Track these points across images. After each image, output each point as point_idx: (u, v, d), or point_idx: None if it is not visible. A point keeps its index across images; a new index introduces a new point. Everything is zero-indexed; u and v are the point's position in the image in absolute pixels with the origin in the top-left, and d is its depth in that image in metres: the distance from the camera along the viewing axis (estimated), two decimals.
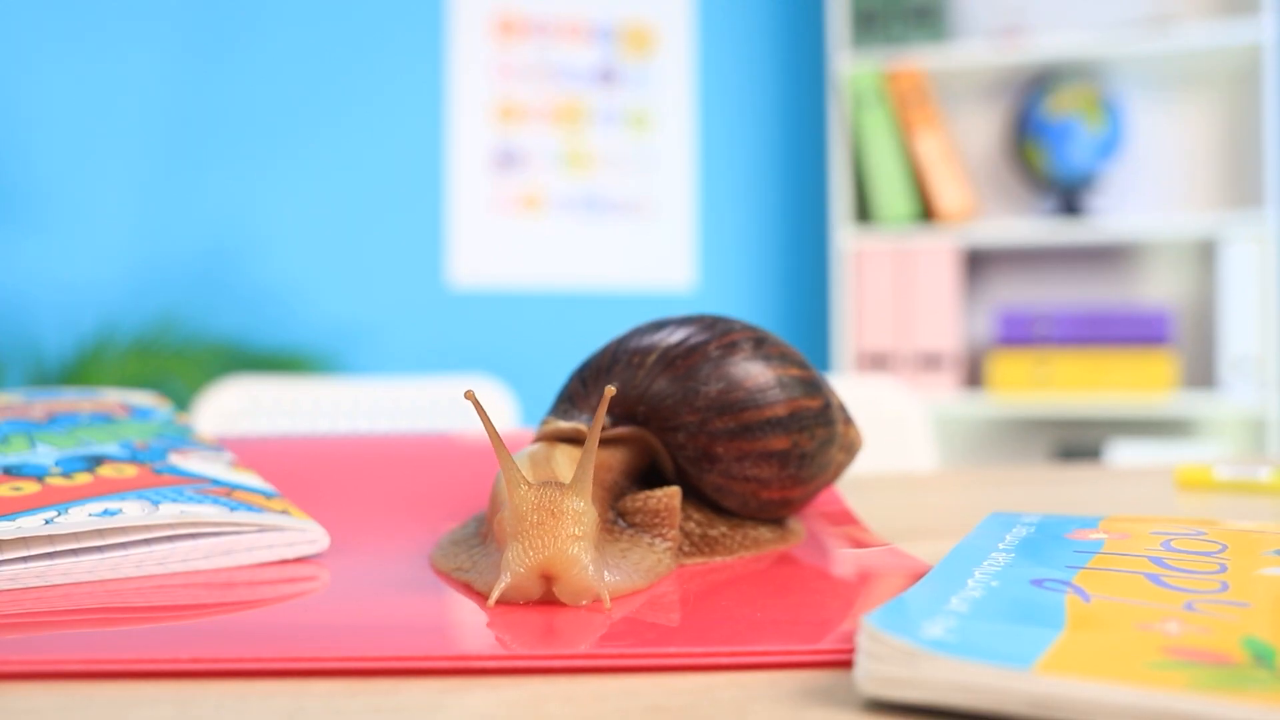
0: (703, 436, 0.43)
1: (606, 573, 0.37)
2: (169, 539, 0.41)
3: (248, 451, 0.60)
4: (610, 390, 0.36)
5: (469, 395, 0.37)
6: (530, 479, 0.39)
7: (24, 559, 0.38)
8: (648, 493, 0.42)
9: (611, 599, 0.36)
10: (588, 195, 2.43)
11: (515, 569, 0.35)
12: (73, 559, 0.39)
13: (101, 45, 2.31)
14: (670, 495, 0.41)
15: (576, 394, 0.46)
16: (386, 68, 2.40)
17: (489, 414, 0.38)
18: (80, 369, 2.04)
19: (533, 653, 0.30)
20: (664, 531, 0.41)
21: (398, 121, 2.40)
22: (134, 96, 2.32)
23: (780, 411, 0.44)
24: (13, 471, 0.42)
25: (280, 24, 2.37)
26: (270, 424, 1.20)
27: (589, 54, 2.44)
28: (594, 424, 0.37)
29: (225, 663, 0.30)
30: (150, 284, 2.30)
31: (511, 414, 1.22)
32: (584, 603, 0.35)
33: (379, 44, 2.40)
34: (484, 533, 0.42)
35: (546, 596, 0.36)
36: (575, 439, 0.44)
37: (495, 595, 0.35)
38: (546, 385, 2.44)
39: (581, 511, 0.36)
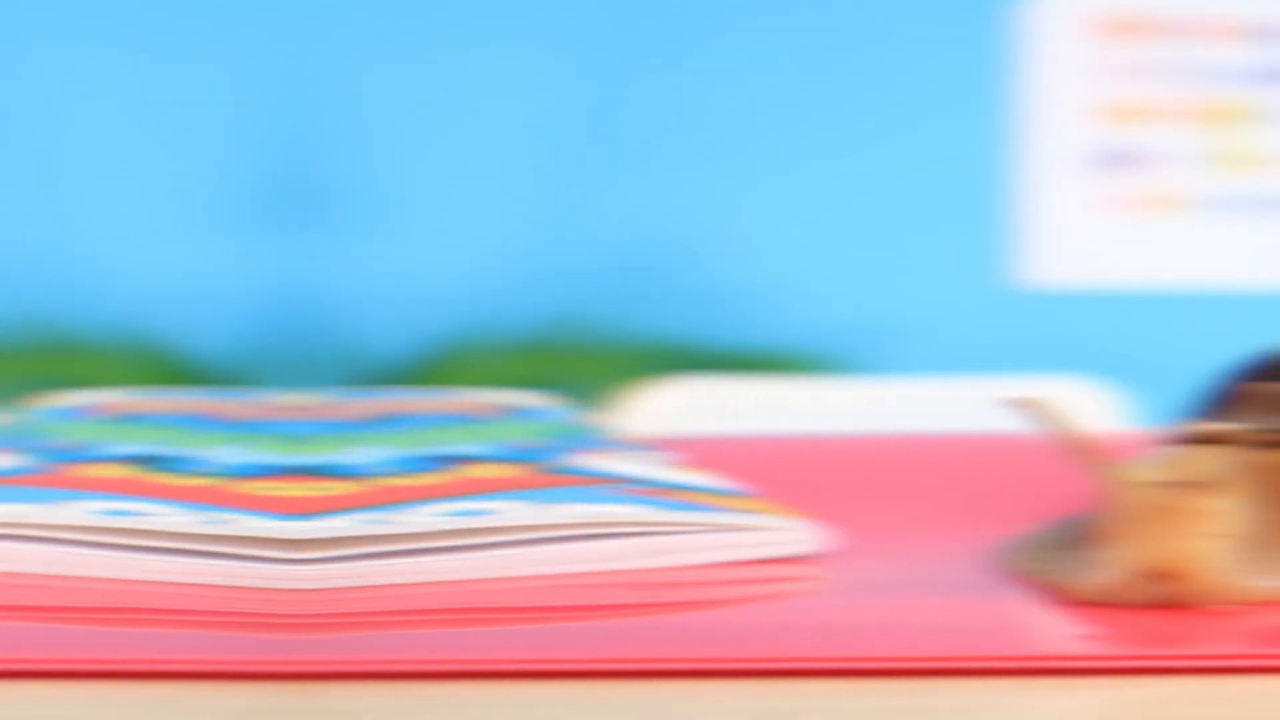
0: None
1: (1261, 578, 0.33)
2: (570, 539, 0.38)
3: (707, 452, 0.57)
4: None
5: (1025, 403, 0.34)
6: (1166, 479, 0.35)
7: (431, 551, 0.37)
8: None
9: (1267, 604, 0.33)
10: (1234, 194, 2.30)
11: (1121, 566, 0.33)
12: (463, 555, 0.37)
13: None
14: None
15: (1229, 396, 0.43)
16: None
17: (1064, 423, 0.36)
18: (443, 370, 2.07)
19: (1146, 652, 0.29)
20: None
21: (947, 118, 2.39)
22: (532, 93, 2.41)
23: None
24: (336, 473, 0.40)
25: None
26: (736, 426, 1.16)
27: (1241, 54, 2.30)
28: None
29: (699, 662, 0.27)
30: (540, 283, 2.34)
31: (1110, 417, 1.17)
32: (1215, 605, 0.32)
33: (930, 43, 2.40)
34: (1083, 536, 0.39)
35: (1159, 600, 0.33)
36: (1224, 440, 0.40)
37: (1089, 589, 0.33)
38: (1161, 389, 2.26)
39: (1220, 511, 0.33)
